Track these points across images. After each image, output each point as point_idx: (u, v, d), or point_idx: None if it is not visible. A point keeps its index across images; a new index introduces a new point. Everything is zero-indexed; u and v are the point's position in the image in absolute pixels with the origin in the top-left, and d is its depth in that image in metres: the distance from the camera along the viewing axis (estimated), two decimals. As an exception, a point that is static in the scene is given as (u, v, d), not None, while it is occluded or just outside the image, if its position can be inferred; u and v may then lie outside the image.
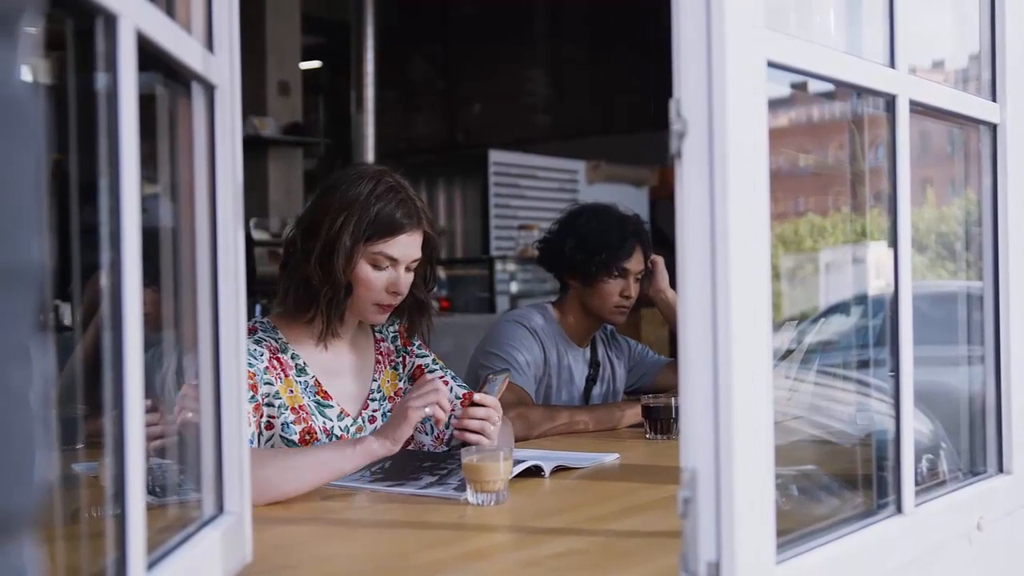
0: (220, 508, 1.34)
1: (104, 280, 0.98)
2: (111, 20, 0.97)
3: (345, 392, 2.24)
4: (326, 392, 2.20)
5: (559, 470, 2.13)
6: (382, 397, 2.30)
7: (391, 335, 2.38)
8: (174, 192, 1.34)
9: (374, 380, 2.30)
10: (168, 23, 1.13)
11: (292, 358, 2.18)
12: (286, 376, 2.15)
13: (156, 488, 1.33)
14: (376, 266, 2.15)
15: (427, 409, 1.94)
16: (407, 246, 2.16)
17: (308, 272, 2.13)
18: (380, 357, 2.34)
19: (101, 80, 0.99)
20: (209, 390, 1.33)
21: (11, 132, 0.53)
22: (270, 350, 2.13)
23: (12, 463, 0.54)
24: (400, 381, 2.35)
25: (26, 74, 0.55)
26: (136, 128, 1.00)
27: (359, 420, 2.24)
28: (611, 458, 2.29)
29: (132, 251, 0.99)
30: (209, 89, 1.31)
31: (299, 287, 2.16)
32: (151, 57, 1.08)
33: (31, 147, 0.54)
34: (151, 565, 1.07)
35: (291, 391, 2.14)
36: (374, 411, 2.28)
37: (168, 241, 1.32)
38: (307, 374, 2.18)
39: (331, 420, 2.18)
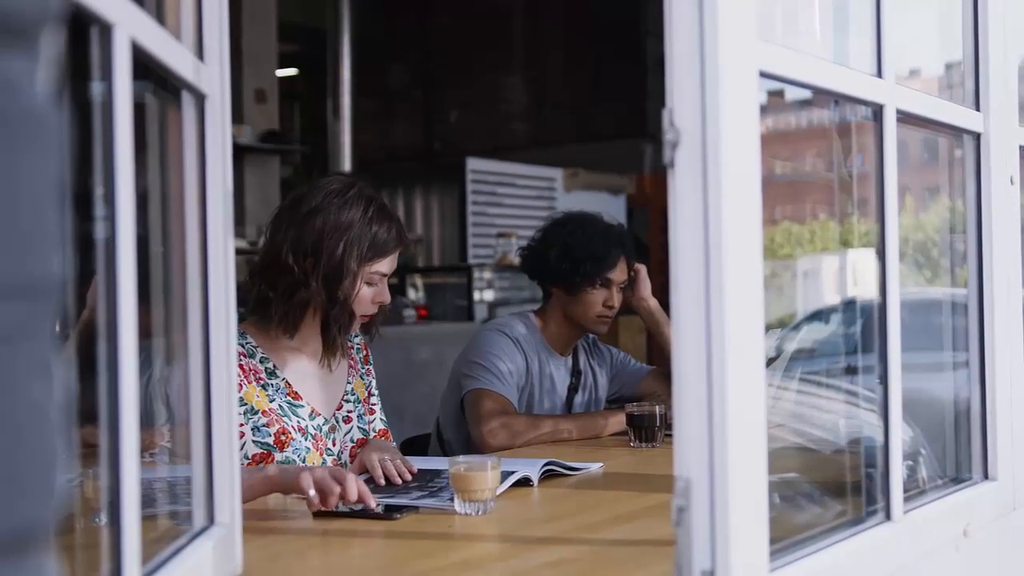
0: (211, 519, 1.33)
1: (100, 289, 0.97)
2: (106, 29, 0.96)
3: (317, 394, 2.28)
4: (297, 393, 2.24)
5: (548, 476, 2.13)
6: (356, 399, 2.37)
7: (356, 346, 2.44)
8: (163, 201, 1.33)
9: (348, 382, 2.37)
10: (161, 32, 1.12)
11: (261, 362, 2.22)
12: (249, 382, 2.18)
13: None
14: (370, 283, 2.24)
15: (311, 492, 1.76)
16: (394, 261, 2.27)
17: (309, 296, 2.18)
18: (352, 362, 2.40)
19: (95, 88, 0.98)
20: (199, 401, 1.32)
21: (32, 144, 0.53)
22: None
23: (35, 477, 0.53)
24: (365, 390, 2.42)
25: (45, 86, 0.55)
26: (131, 137, 0.99)
27: (332, 420, 2.29)
28: (596, 467, 2.30)
29: (127, 260, 0.98)
30: (200, 98, 1.30)
31: (299, 308, 2.20)
32: (142, 65, 1.08)
33: (52, 159, 0.54)
34: (144, 578, 1.06)
35: (258, 396, 2.18)
36: (348, 411, 2.34)
37: (157, 250, 1.31)
38: (278, 377, 2.23)
39: (303, 419, 2.22)
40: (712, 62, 1.13)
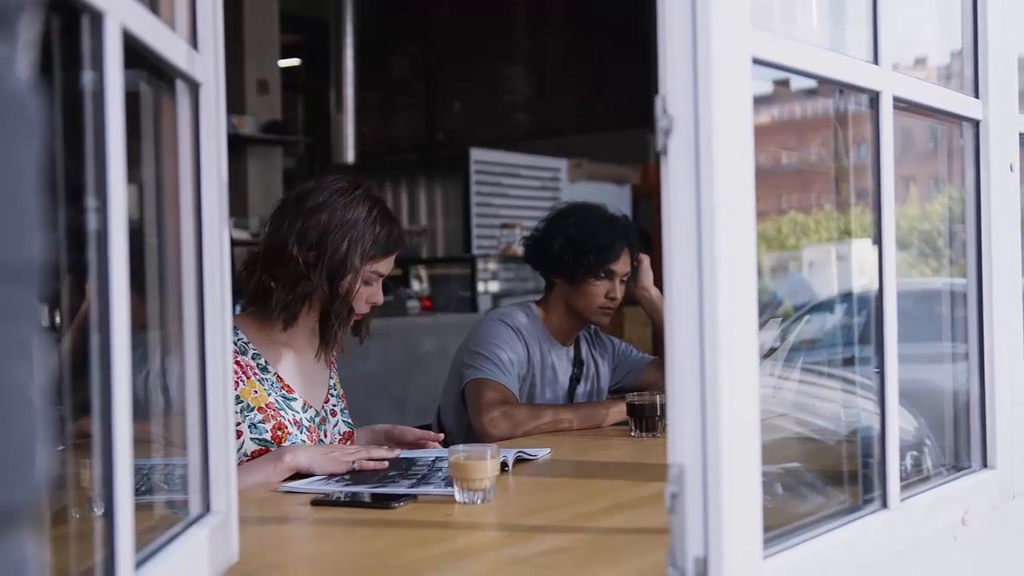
0: (207, 507, 1.33)
1: (92, 281, 0.97)
2: (97, 17, 0.96)
3: (306, 387, 2.33)
4: (289, 386, 2.28)
5: (518, 462, 2.18)
6: (337, 395, 2.42)
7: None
8: (158, 192, 1.33)
9: (331, 378, 2.42)
10: (153, 20, 1.12)
11: (253, 358, 2.25)
12: (248, 377, 2.21)
13: (140, 487, 1.32)
14: (367, 282, 2.27)
15: (355, 464, 2.08)
16: (391, 263, 2.32)
17: (311, 289, 2.21)
18: (333, 358, 2.44)
19: (86, 78, 0.98)
20: (195, 391, 1.32)
21: (12, 129, 0.53)
22: None
23: (15, 458, 0.54)
24: (341, 387, 2.48)
25: (25, 71, 0.55)
26: (122, 127, 0.99)
27: (322, 412, 2.35)
28: (543, 452, 2.32)
29: (119, 251, 0.98)
30: (194, 87, 1.30)
31: (300, 300, 2.23)
32: (135, 54, 1.08)
33: (31, 144, 0.54)
34: (139, 564, 1.06)
35: (255, 391, 2.21)
36: (333, 406, 2.40)
37: (152, 241, 1.31)
38: (269, 372, 2.26)
39: (297, 412, 2.26)
40: (704, 49, 1.13)
